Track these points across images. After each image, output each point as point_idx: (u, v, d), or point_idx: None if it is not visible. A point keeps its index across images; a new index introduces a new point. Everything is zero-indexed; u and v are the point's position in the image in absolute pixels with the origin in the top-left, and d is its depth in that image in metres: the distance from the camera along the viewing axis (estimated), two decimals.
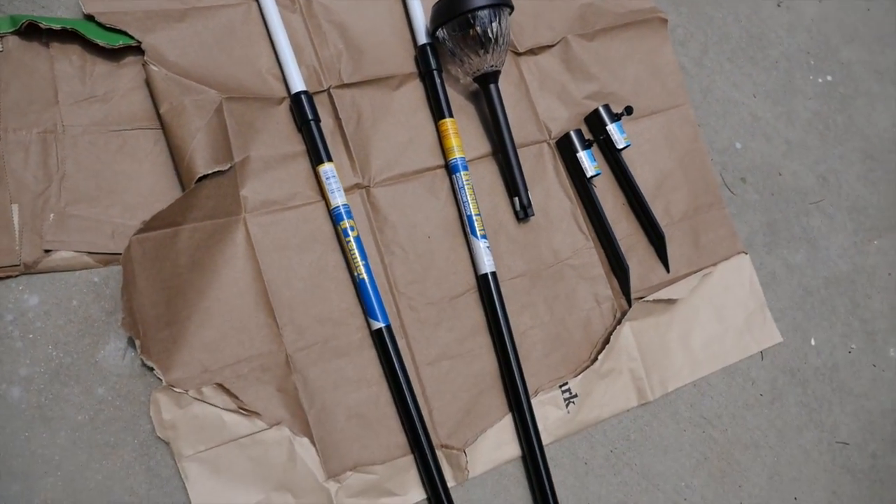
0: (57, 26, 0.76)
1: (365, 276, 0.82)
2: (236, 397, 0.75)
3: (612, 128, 0.96)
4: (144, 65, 0.79)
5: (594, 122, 0.98)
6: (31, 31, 0.77)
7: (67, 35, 0.78)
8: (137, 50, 0.80)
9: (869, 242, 1.13)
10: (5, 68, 0.76)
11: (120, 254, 0.75)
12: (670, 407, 0.94)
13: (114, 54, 0.80)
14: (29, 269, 0.73)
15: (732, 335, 0.98)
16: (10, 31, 0.77)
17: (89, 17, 0.79)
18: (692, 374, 0.95)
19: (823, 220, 1.11)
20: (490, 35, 0.87)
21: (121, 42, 0.79)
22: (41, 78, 0.78)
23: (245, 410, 0.75)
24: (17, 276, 0.73)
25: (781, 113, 1.15)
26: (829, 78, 1.20)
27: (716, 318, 0.98)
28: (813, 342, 1.04)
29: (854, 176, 1.16)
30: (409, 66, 0.93)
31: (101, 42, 0.78)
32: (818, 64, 1.20)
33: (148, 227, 0.72)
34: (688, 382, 0.95)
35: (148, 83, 0.80)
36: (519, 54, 0.98)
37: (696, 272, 0.98)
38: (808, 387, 1.02)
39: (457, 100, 0.94)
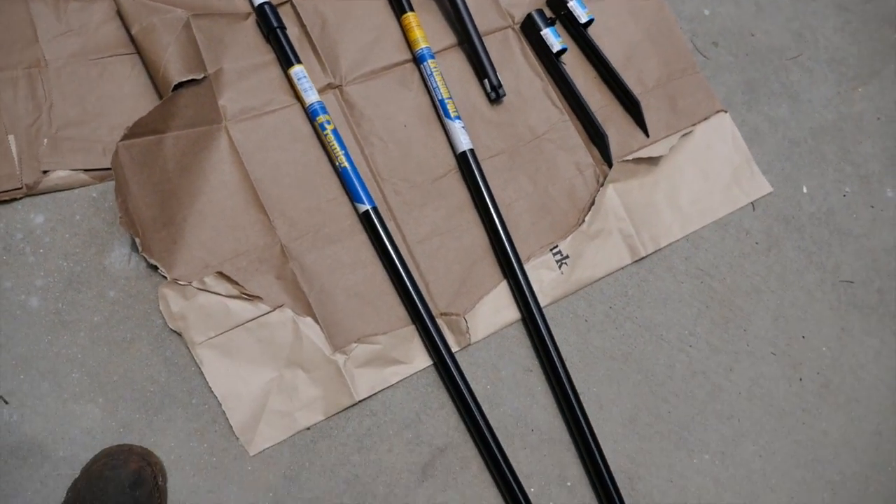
0: None
1: (346, 164, 0.85)
2: (238, 284, 0.79)
3: (573, 3, 0.98)
4: None
5: (555, 1, 1.00)
6: None
7: None
8: None
9: (853, 91, 1.13)
10: None
11: (111, 168, 0.80)
12: (665, 262, 0.95)
13: None
14: (31, 191, 0.79)
15: (720, 190, 1.00)
16: None
17: None
18: (683, 229, 0.97)
19: (803, 74, 1.11)
20: None
21: None
22: (20, 20, 0.83)
23: (247, 295, 0.79)
24: (21, 197, 0.79)
25: None
26: None
27: (701, 175, 0.99)
28: (805, 190, 1.04)
29: (830, 29, 1.15)
30: None
31: None
32: None
33: (132, 133, 0.77)
34: (680, 238, 0.96)
35: (119, 11, 0.85)
36: None
37: (676, 134, 0.99)
38: (804, 232, 1.02)
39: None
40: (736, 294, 0.97)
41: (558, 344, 0.87)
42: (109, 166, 0.81)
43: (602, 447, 0.85)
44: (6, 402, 0.73)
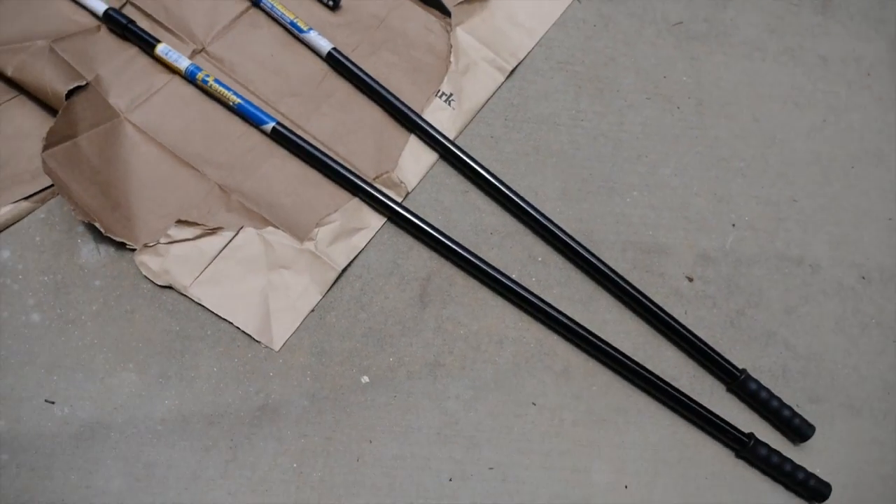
0: None
1: (238, 100, 0.96)
2: (197, 223, 0.89)
3: None
4: None
5: None
6: None
7: None
8: None
9: None
10: None
11: (46, 188, 0.89)
12: (531, 68, 1.10)
13: None
14: None
15: (546, 0, 1.16)
16: None
17: None
18: (532, 38, 1.12)
19: None
20: None
21: None
22: None
23: (210, 230, 0.90)
24: None
25: None
26: None
27: None
28: None
29: None
30: None
31: None
32: None
33: (49, 143, 0.86)
34: (533, 46, 1.12)
35: None
36: None
37: None
38: (627, 2, 1.19)
39: None
40: (597, 69, 1.13)
41: (478, 161, 1.00)
42: (43, 188, 0.90)
43: (551, 220, 0.98)
44: (52, 402, 0.81)
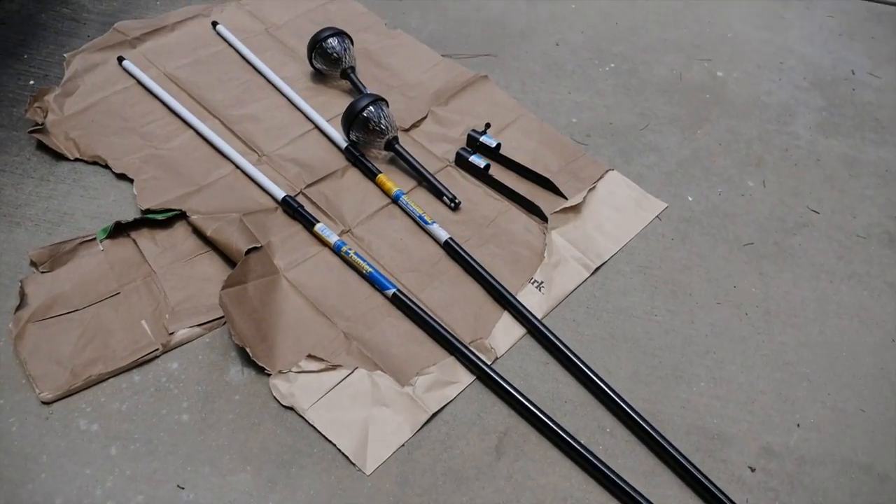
0: (130, 220, 1.23)
1: (369, 269, 1.22)
2: (323, 360, 1.10)
3: (483, 138, 1.44)
4: (186, 217, 1.26)
5: (471, 141, 1.46)
6: (116, 230, 1.24)
7: (138, 223, 1.25)
8: (182, 215, 1.27)
9: (694, 133, 1.59)
10: (108, 258, 1.21)
11: (215, 319, 1.14)
12: (613, 269, 1.30)
13: (169, 222, 1.27)
14: (165, 349, 1.11)
15: (631, 215, 1.39)
16: (104, 237, 1.23)
17: (147, 210, 1.27)
18: (617, 244, 1.33)
19: (655, 135, 1.58)
20: (382, 124, 1.38)
21: (171, 214, 1.26)
22: (132, 252, 1.23)
23: (331, 366, 1.10)
24: (159, 355, 1.11)
25: (593, 93, 1.66)
26: (612, 65, 1.75)
27: (614, 210, 1.39)
28: (690, 198, 1.44)
29: (661, 105, 1.65)
30: (343, 162, 1.42)
31: (160, 217, 1.25)
32: (599, 59, 1.76)
33: (227, 284, 1.13)
34: (616, 251, 1.32)
35: (193, 229, 1.26)
36: (406, 130, 1.49)
37: (584, 190, 1.40)
38: (702, 224, 1.40)
39: (381, 167, 1.41)
40: (673, 274, 1.30)
41: (560, 338, 1.17)
42: (214, 318, 1.15)
43: (621, 397, 1.11)
44: (182, 488, 0.98)
